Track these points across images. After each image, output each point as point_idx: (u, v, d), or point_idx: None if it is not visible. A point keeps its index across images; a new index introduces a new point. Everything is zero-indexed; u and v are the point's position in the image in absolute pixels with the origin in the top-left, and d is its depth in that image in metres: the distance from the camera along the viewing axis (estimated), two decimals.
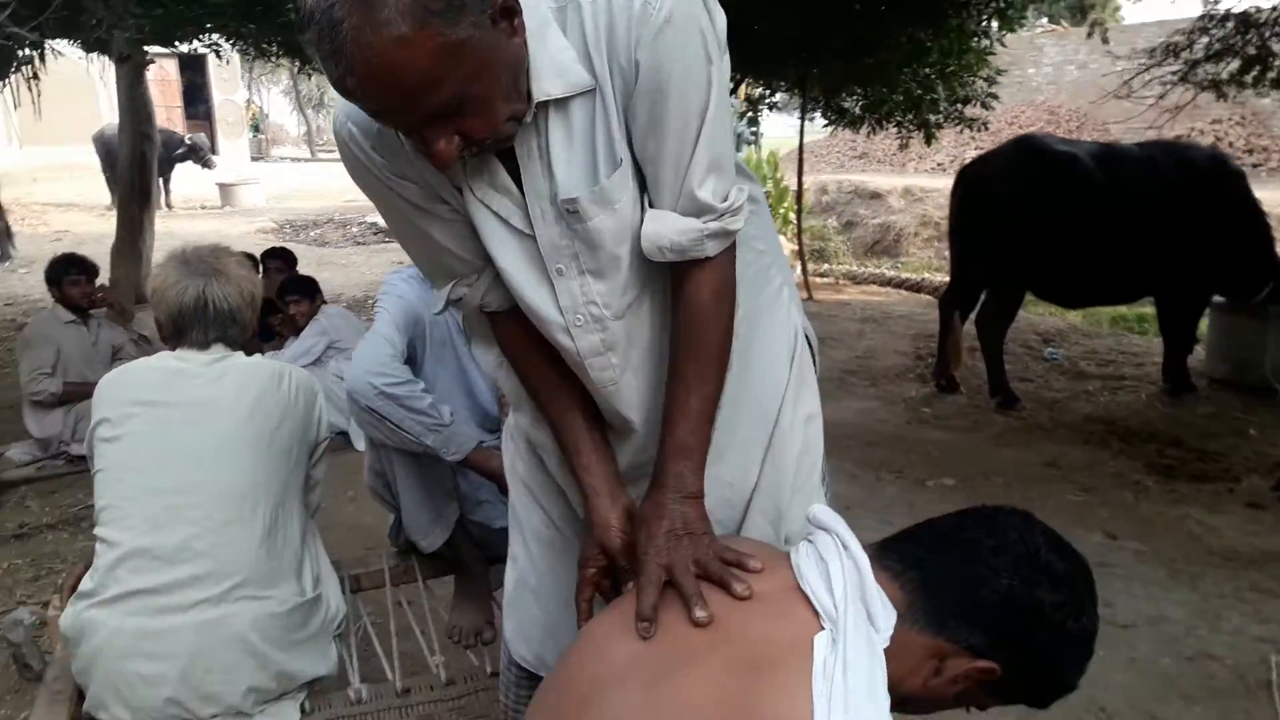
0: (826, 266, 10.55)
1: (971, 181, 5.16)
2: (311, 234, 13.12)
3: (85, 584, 1.81)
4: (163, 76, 19.85)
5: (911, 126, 7.72)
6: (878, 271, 9.94)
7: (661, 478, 1.19)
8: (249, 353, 2.06)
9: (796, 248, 8.57)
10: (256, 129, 27.91)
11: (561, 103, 1.10)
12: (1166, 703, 2.50)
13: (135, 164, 7.74)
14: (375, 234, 12.36)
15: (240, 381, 1.96)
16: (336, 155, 1.37)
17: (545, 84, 1.08)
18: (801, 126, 8.18)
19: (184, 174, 15.46)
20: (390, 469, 2.20)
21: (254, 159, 24.06)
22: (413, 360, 2.19)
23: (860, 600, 0.99)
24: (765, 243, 1.35)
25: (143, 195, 7.86)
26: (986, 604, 1.00)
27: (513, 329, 1.28)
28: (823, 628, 0.97)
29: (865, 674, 0.92)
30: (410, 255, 1.32)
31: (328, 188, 17.46)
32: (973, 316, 5.26)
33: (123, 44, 5.68)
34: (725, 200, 1.15)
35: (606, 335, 1.21)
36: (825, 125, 8.53)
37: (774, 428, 1.31)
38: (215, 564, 1.79)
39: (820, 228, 12.08)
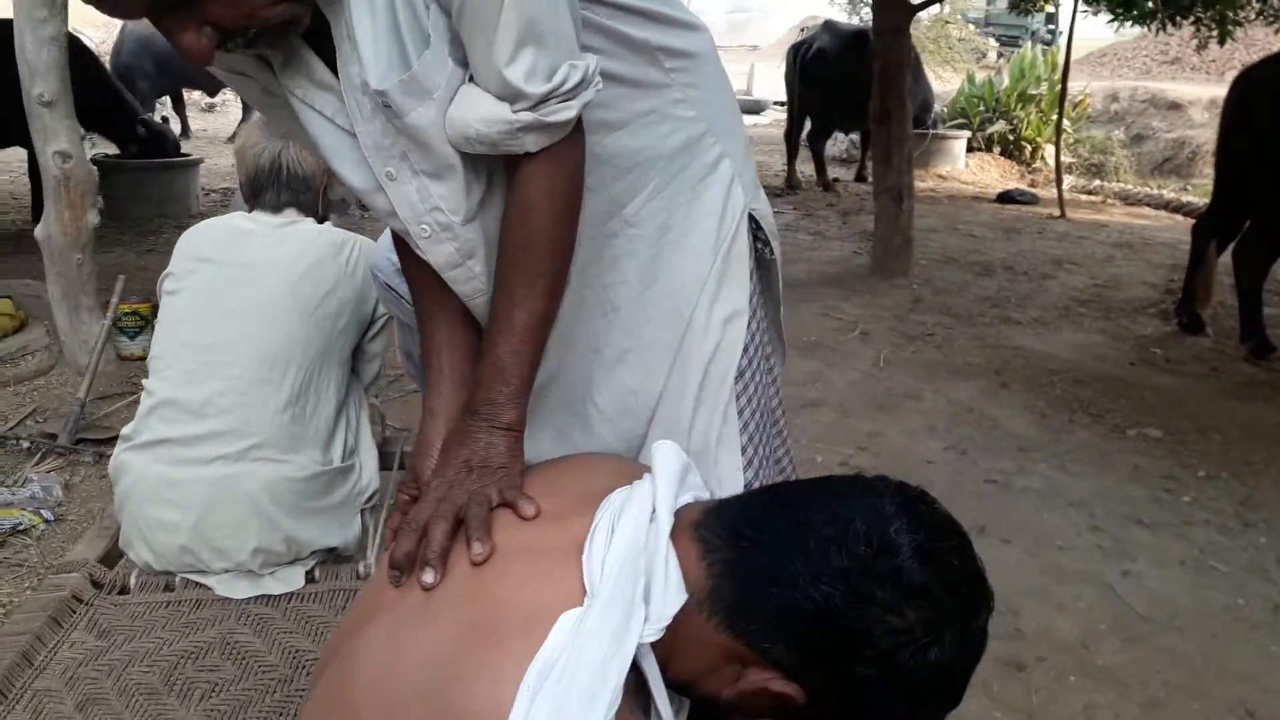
0: (1098, 183, 9.44)
1: (1251, 85, 4.33)
2: None
3: (126, 429, 1.88)
4: None
5: (1210, 22, 6.55)
6: (1154, 193, 8.71)
7: (472, 402, 1.01)
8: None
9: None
10: None
11: None
12: None
13: None
14: None
15: (298, 246, 1.96)
16: None
17: None
18: (1072, 21, 7.18)
19: None
20: (416, 350, 2.12)
21: None
22: None
23: (643, 575, 0.77)
24: (699, 108, 1.10)
25: None
26: (796, 613, 0.75)
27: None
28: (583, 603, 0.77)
29: (595, 669, 0.71)
30: None
31: None
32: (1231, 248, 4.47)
33: None
34: (548, 82, 0.90)
35: (460, 244, 1.03)
36: (1110, 21, 7.46)
37: (686, 329, 1.09)
38: (236, 422, 1.80)
39: (1103, 140, 10.80)
